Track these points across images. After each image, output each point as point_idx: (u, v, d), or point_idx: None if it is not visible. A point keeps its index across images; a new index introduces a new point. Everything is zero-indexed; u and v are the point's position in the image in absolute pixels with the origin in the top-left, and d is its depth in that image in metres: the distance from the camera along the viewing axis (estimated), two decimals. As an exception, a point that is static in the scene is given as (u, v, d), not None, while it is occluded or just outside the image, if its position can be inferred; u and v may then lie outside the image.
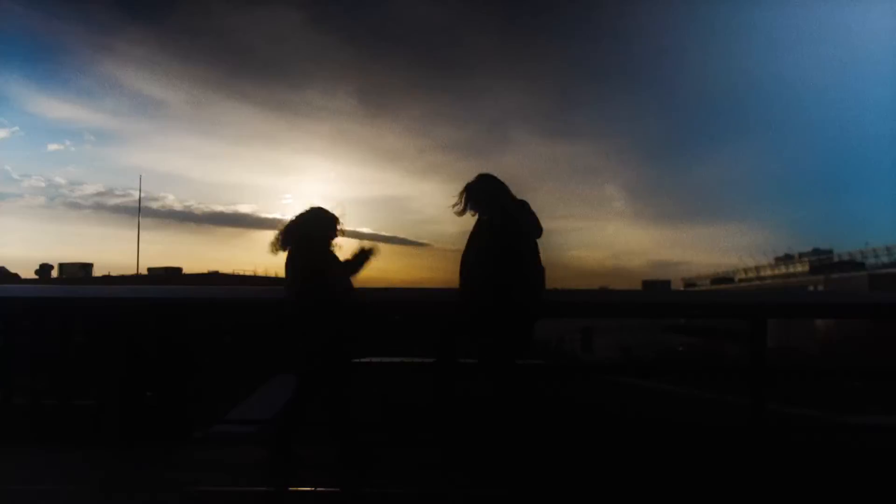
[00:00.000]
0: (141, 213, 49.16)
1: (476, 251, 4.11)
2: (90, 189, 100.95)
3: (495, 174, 4.22)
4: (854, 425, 5.92)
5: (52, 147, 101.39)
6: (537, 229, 4.13)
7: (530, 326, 4.15)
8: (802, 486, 4.00)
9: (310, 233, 4.28)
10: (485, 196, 4.16)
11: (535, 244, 4.11)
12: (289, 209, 4.41)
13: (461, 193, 4.20)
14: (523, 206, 4.15)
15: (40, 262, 46.07)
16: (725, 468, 4.28)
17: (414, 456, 4.48)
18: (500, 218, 4.06)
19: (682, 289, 51.96)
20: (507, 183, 4.24)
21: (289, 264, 4.24)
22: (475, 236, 4.16)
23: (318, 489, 3.86)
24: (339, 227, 4.36)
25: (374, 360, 5.91)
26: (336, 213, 4.37)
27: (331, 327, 4.15)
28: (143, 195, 57.94)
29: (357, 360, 4.53)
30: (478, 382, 4.45)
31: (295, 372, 4.28)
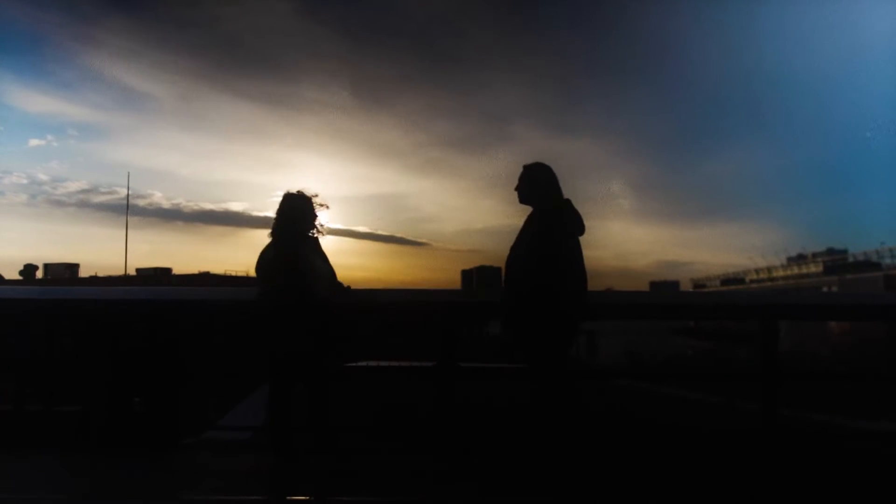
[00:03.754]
0: (128, 211, 48.79)
1: (522, 249, 3.93)
2: (74, 186, 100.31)
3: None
4: (869, 431, 5.79)
5: (34, 142, 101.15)
6: (581, 227, 3.94)
7: (573, 328, 3.93)
8: (814, 494, 3.90)
9: (288, 224, 4.12)
10: (538, 186, 3.99)
11: (579, 244, 3.92)
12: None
13: (520, 177, 4.03)
14: (568, 204, 3.98)
15: (24, 263, 45.85)
16: (736, 474, 4.17)
17: (411, 462, 4.37)
18: (548, 217, 3.89)
19: (691, 290, 51.70)
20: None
21: (268, 260, 4.09)
22: (523, 232, 3.98)
23: (291, 497, 3.78)
24: (316, 213, 4.19)
25: (372, 363, 5.78)
26: (311, 197, 4.20)
27: (313, 327, 3.98)
28: (129, 193, 56.78)
29: (349, 364, 4.40)
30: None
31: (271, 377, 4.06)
